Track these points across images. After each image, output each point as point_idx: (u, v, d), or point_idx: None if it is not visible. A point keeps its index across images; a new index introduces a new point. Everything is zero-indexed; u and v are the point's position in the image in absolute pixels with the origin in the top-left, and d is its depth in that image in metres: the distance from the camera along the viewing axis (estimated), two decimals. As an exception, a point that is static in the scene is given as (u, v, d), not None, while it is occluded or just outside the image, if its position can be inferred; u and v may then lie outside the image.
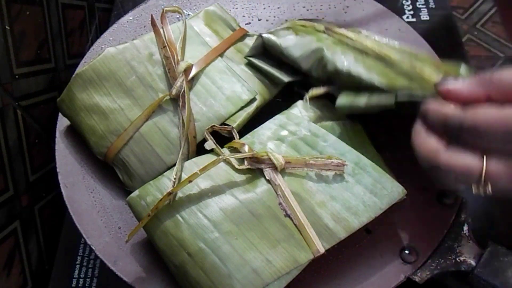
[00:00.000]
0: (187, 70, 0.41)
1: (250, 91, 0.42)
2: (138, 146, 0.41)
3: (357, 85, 0.38)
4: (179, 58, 0.42)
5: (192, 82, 0.42)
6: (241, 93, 0.42)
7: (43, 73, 0.53)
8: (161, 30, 0.43)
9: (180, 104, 0.40)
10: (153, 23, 0.44)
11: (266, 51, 0.45)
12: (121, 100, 0.41)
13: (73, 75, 0.43)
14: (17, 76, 0.47)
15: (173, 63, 0.41)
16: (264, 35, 0.44)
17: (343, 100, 0.39)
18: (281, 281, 0.34)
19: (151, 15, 0.44)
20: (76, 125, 0.43)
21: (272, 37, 0.43)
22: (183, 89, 0.40)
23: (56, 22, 0.56)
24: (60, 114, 0.46)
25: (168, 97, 0.41)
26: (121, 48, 0.42)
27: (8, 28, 0.46)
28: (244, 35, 0.47)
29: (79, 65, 0.49)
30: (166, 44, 0.42)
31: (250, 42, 0.46)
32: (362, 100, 0.38)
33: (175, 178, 0.37)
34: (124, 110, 0.41)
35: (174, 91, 0.40)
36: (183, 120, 0.40)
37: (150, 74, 0.42)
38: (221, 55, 0.44)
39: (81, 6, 0.62)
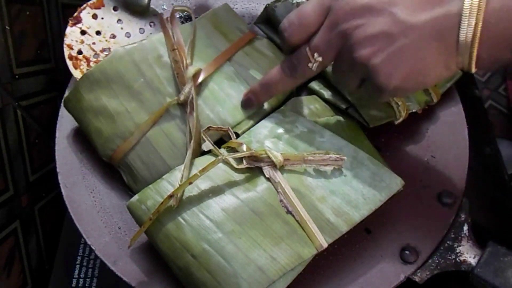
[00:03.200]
0: (196, 75, 0.40)
1: (264, 108, 0.42)
2: (144, 151, 0.40)
3: (328, 80, 0.44)
4: (188, 62, 0.41)
5: (200, 87, 0.41)
6: (256, 110, 0.42)
7: (43, 73, 0.53)
8: (170, 31, 0.42)
9: (188, 111, 0.40)
10: (163, 24, 0.43)
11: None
12: (128, 103, 0.41)
13: (81, 76, 0.42)
14: (17, 76, 0.47)
15: (182, 67, 0.40)
16: (269, 7, 0.45)
17: (314, 85, 0.45)
18: (286, 277, 0.34)
19: (160, 15, 0.43)
20: (82, 126, 0.43)
21: (275, 13, 0.45)
22: (191, 96, 0.40)
23: (56, 22, 0.56)
24: (60, 114, 0.46)
25: (175, 101, 0.40)
26: (129, 48, 0.41)
27: (8, 28, 0.46)
28: (253, 38, 0.45)
29: (79, 65, 0.49)
30: (176, 47, 0.41)
31: (258, 45, 0.45)
32: (326, 93, 0.44)
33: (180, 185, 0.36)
34: (131, 113, 0.41)
35: (182, 97, 0.40)
36: (190, 127, 0.39)
37: (158, 77, 0.41)
38: (230, 59, 0.43)
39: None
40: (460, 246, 0.39)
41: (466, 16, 0.28)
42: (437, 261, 0.39)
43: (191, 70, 0.40)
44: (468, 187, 0.42)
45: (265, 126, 0.40)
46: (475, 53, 0.29)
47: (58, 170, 0.44)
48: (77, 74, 0.45)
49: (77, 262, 0.50)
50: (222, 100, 0.41)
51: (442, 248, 0.39)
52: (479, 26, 0.28)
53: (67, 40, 0.46)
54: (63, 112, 0.47)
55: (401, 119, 0.42)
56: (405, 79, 0.31)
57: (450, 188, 0.42)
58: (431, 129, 0.45)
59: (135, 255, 0.40)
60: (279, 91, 0.39)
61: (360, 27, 0.31)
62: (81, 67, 0.46)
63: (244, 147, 0.37)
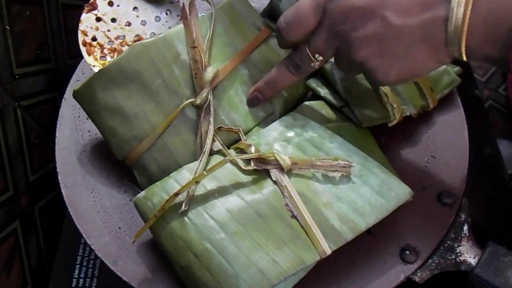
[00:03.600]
0: (214, 78, 0.39)
1: (267, 108, 0.42)
2: (159, 153, 0.40)
3: (326, 77, 0.44)
4: (206, 62, 0.40)
5: (215, 89, 0.40)
6: (259, 110, 0.42)
7: (43, 73, 0.53)
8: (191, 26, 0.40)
9: (202, 115, 0.39)
10: (184, 16, 0.40)
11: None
12: (145, 104, 0.40)
13: (96, 71, 0.40)
14: (17, 76, 0.47)
15: (200, 68, 0.39)
16: (274, 1, 0.44)
17: (311, 82, 0.44)
18: (287, 282, 0.34)
19: (183, 5, 0.41)
20: (95, 122, 0.42)
21: (279, 6, 0.44)
22: (208, 101, 0.39)
23: (56, 22, 0.56)
24: (60, 114, 0.46)
25: (191, 103, 0.39)
26: (147, 44, 0.40)
27: (8, 28, 0.46)
28: (269, 35, 0.43)
29: (79, 65, 0.49)
30: (197, 46, 0.39)
31: (273, 43, 0.43)
32: (322, 91, 0.43)
33: (188, 193, 0.36)
34: (148, 115, 0.40)
35: (198, 101, 0.39)
36: (201, 131, 0.39)
37: (176, 78, 0.40)
38: (245, 59, 0.42)
39: (81, 6, 0.62)
40: (460, 246, 0.39)
41: (452, 21, 0.29)
42: (437, 261, 0.39)
43: (209, 73, 0.39)
44: (468, 187, 0.42)
45: (275, 129, 0.40)
46: (463, 52, 0.30)
47: (58, 170, 0.44)
48: (90, 60, 0.45)
49: (77, 262, 0.50)
50: (236, 105, 0.41)
51: (442, 248, 0.39)
52: (465, 30, 0.29)
53: (81, 26, 0.45)
54: (63, 112, 0.47)
55: (395, 122, 0.42)
56: (400, 74, 0.33)
57: (450, 188, 0.42)
58: (431, 129, 0.45)
59: (135, 255, 0.40)
60: (284, 88, 0.41)
61: (354, 29, 0.32)
62: (95, 53, 0.45)
63: (253, 149, 0.37)
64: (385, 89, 0.41)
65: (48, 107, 0.53)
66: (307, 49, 0.35)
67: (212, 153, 0.39)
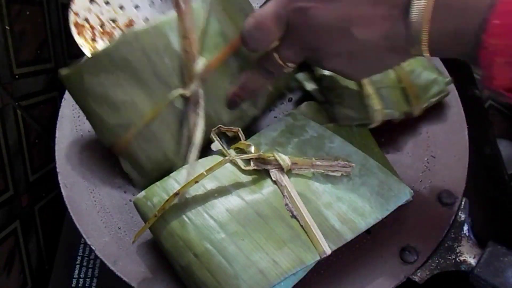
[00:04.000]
0: (204, 70, 0.39)
1: (256, 107, 0.42)
2: (147, 143, 0.40)
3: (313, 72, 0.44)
4: (196, 53, 0.39)
5: (204, 81, 0.40)
6: (247, 109, 0.42)
7: (43, 73, 0.53)
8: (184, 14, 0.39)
9: (191, 107, 0.39)
10: (177, 4, 0.39)
11: None
12: (133, 93, 0.39)
13: (86, 58, 0.39)
14: (17, 76, 0.47)
15: (191, 59, 0.39)
16: None
17: (299, 76, 0.45)
18: (287, 282, 0.34)
19: None
20: (83, 109, 0.41)
21: None
22: (198, 93, 0.39)
23: (56, 22, 0.56)
24: (60, 114, 0.46)
25: (180, 95, 0.39)
26: (138, 32, 0.39)
27: (8, 28, 0.46)
28: None
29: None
30: (188, 36, 0.39)
31: None
32: (308, 85, 0.44)
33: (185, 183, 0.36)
34: (136, 104, 0.39)
35: (188, 93, 0.39)
36: (190, 123, 0.39)
37: (166, 67, 0.39)
38: (236, 50, 0.41)
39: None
40: (460, 246, 0.39)
41: (411, 36, 0.30)
42: (437, 261, 0.39)
43: (200, 65, 0.39)
44: (468, 187, 0.42)
45: (275, 129, 0.40)
46: (428, 56, 0.31)
47: (58, 170, 0.44)
48: (80, 41, 0.45)
49: (77, 262, 0.50)
50: (223, 98, 0.41)
51: (442, 248, 0.40)
52: (425, 41, 0.30)
53: (74, 7, 0.45)
54: (63, 112, 0.47)
55: (375, 124, 0.41)
56: (369, 73, 0.37)
57: (450, 188, 0.42)
58: (431, 129, 0.45)
59: (135, 255, 0.40)
60: (260, 89, 0.41)
61: (322, 45, 0.34)
62: (86, 35, 0.45)
63: (252, 149, 0.37)
64: (370, 90, 0.41)
65: (48, 107, 0.53)
66: (278, 58, 0.36)
67: (212, 153, 0.39)
